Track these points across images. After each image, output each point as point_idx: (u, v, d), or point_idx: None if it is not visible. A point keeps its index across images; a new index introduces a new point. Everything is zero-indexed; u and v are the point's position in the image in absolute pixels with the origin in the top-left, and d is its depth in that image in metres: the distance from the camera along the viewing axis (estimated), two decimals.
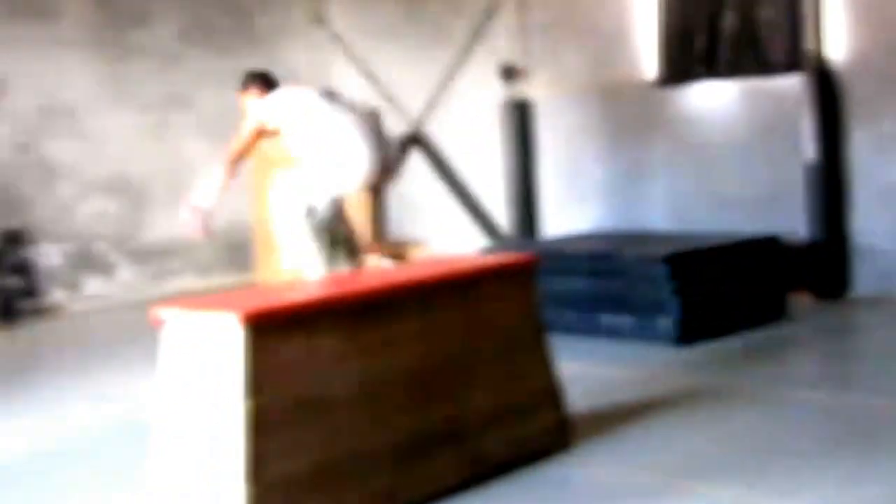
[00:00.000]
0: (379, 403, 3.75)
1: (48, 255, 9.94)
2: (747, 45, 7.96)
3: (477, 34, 9.78)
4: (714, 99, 8.32)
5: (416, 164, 10.55)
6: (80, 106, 10.15)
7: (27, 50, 9.82)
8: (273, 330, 3.43)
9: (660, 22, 8.46)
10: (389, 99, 10.62)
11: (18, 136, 9.82)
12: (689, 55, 8.30)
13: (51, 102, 9.99)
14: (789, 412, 4.95)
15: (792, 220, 7.70)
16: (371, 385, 3.73)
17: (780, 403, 5.09)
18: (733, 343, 6.46)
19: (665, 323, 6.51)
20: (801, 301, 7.44)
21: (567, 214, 9.25)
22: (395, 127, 10.62)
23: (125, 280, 10.34)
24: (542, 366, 4.42)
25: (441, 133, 10.28)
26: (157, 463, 3.61)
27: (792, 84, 7.75)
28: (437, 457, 3.90)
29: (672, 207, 8.56)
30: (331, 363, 3.62)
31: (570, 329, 6.74)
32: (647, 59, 8.61)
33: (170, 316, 3.60)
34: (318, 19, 11.23)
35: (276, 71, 11.11)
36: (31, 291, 9.81)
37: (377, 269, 5.25)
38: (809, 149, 7.63)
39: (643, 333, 6.60)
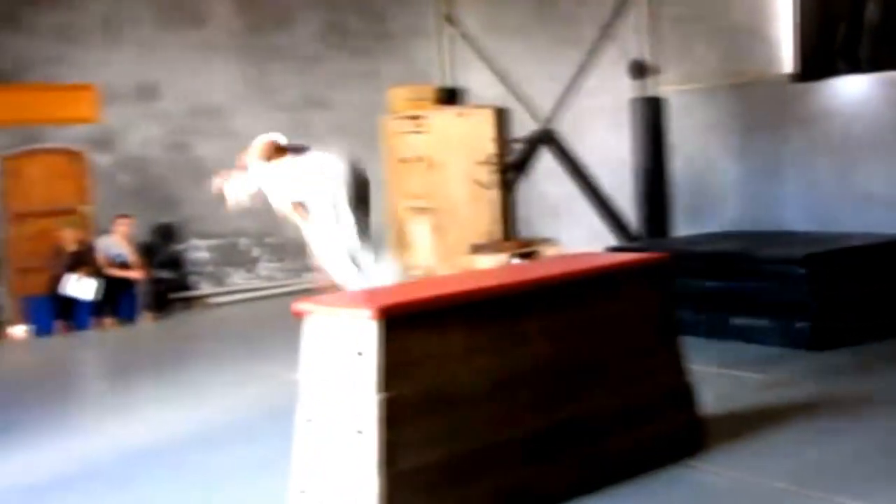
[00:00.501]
0: (507, 399, 3.80)
1: (197, 250, 10.52)
2: (891, 37, 7.61)
3: (607, 31, 9.72)
4: (855, 93, 7.97)
5: (546, 163, 10.57)
6: (225, 107, 10.68)
7: (177, 55, 10.41)
8: (404, 325, 3.53)
9: (797, 13, 8.18)
10: (519, 97, 10.68)
11: (170, 137, 10.43)
12: (829, 48, 7.99)
13: (199, 104, 10.55)
14: None
15: None
16: (499, 381, 3.79)
17: None
18: (874, 350, 6.20)
19: (801, 326, 6.32)
20: None
21: (699, 213, 9.08)
22: (526, 125, 10.69)
23: (266, 274, 10.82)
24: (673, 366, 4.38)
25: (571, 131, 10.26)
26: (300, 449, 3.78)
27: None
28: (564, 455, 3.92)
29: (810, 206, 8.27)
30: (460, 358, 3.70)
31: (701, 330, 6.64)
32: (784, 52, 8.34)
33: (310, 309, 3.77)
34: (450, 19, 11.39)
35: (408, 70, 11.58)
36: (180, 284, 10.41)
37: (508, 265, 5.33)
38: None
39: (778, 336, 6.43)
